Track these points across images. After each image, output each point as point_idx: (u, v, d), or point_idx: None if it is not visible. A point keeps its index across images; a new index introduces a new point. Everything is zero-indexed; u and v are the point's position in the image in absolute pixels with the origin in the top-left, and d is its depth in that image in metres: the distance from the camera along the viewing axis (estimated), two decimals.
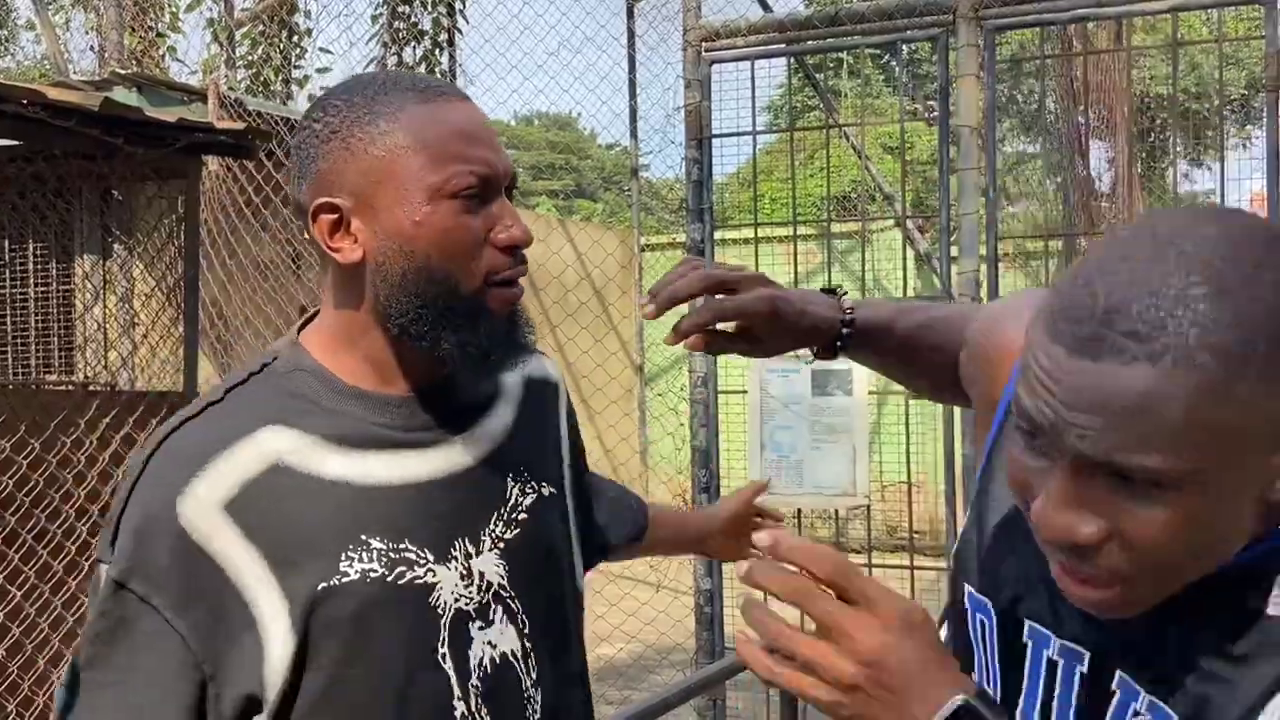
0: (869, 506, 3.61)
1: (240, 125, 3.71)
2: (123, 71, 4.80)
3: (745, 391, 3.76)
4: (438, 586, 1.12)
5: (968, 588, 1.01)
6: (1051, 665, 0.92)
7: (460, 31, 8.75)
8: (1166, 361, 0.71)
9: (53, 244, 4.73)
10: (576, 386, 8.69)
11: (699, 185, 4.05)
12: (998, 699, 0.96)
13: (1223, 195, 3.66)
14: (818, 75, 8.07)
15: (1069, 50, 4.84)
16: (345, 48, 9.02)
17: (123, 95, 4.49)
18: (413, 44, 8.68)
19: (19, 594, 3.23)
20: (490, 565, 1.16)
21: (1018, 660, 0.95)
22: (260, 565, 1.05)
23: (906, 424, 3.69)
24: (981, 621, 0.99)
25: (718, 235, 4.26)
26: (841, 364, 3.68)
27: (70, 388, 4.46)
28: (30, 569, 3.27)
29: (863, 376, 3.54)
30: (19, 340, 4.85)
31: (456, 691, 1.12)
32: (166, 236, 4.30)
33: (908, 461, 3.67)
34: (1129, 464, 0.75)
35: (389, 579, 1.09)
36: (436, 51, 8.69)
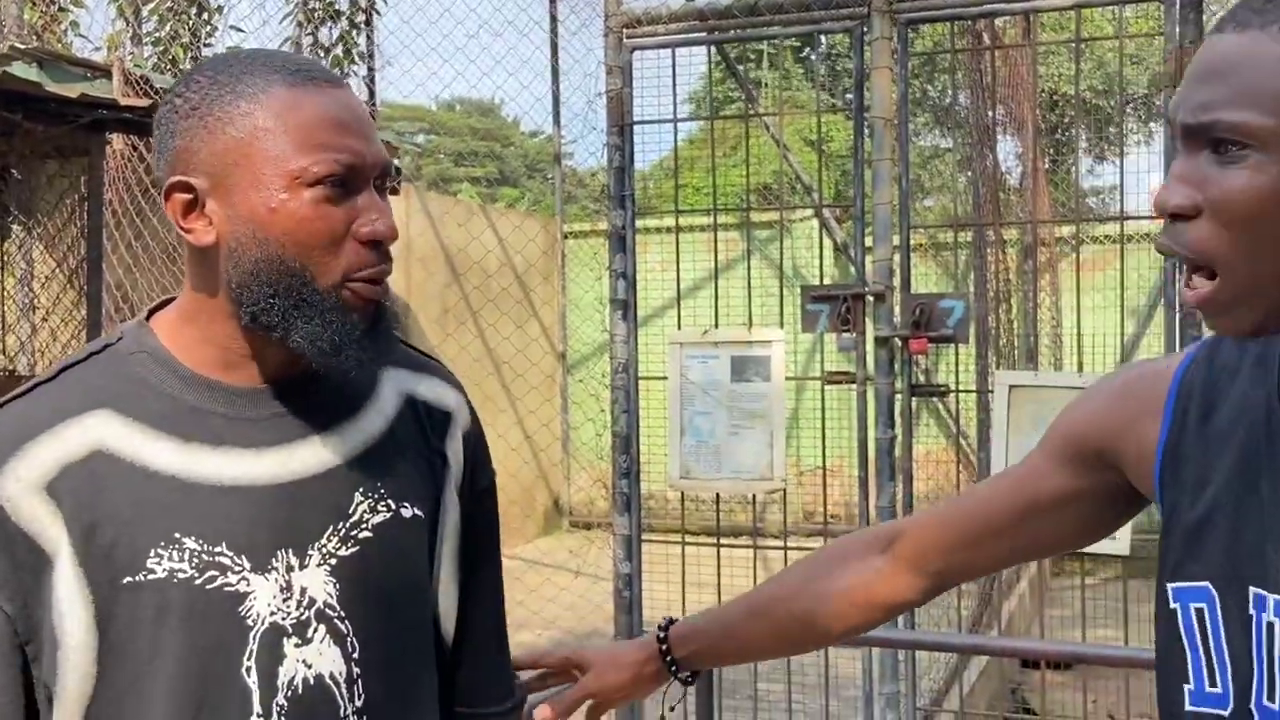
0: (785, 491, 3.64)
1: (146, 102, 3.61)
2: (22, 46, 4.63)
3: (665, 378, 3.77)
4: (250, 596, 1.07)
5: (1172, 586, 1.03)
6: (1270, 628, 0.95)
7: (378, 12, 8.62)
8: (1273, 29, 0.84)
9: None
10: (498, 372, 8.63)
11: (621, 172, 4.04)
12: (1229, 685, 0.98)
13: (1122, 189, 3.75)
14: (739, 66, 8.10)
15: (979, 45, 4.93)
16: (258, 25, 8.81)
17: (22, 70, 4.33)
18: (329, 23, 8.53)
19: None
20: (316, 581, 1.10)
21: (1245, 631, 0.97)
22: (70, 550, 1.03)
23: (823, 410, 3.73)
24: (1198, 610, 1.00)
25: (640, 224, 4.26)
26: (760, 350, 3.71)
27: None
28: None
29: (780, 363, 3.57)
30: None
31: (257, 708, 1.07)
32: (68, 216, 4.17)
33: (824, 447, 3.71)
34: (1220, 121, 0.85)
35: (196, 582, 1.05)
36: (353, 32, 8.56)
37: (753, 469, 3.53)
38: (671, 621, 1.47)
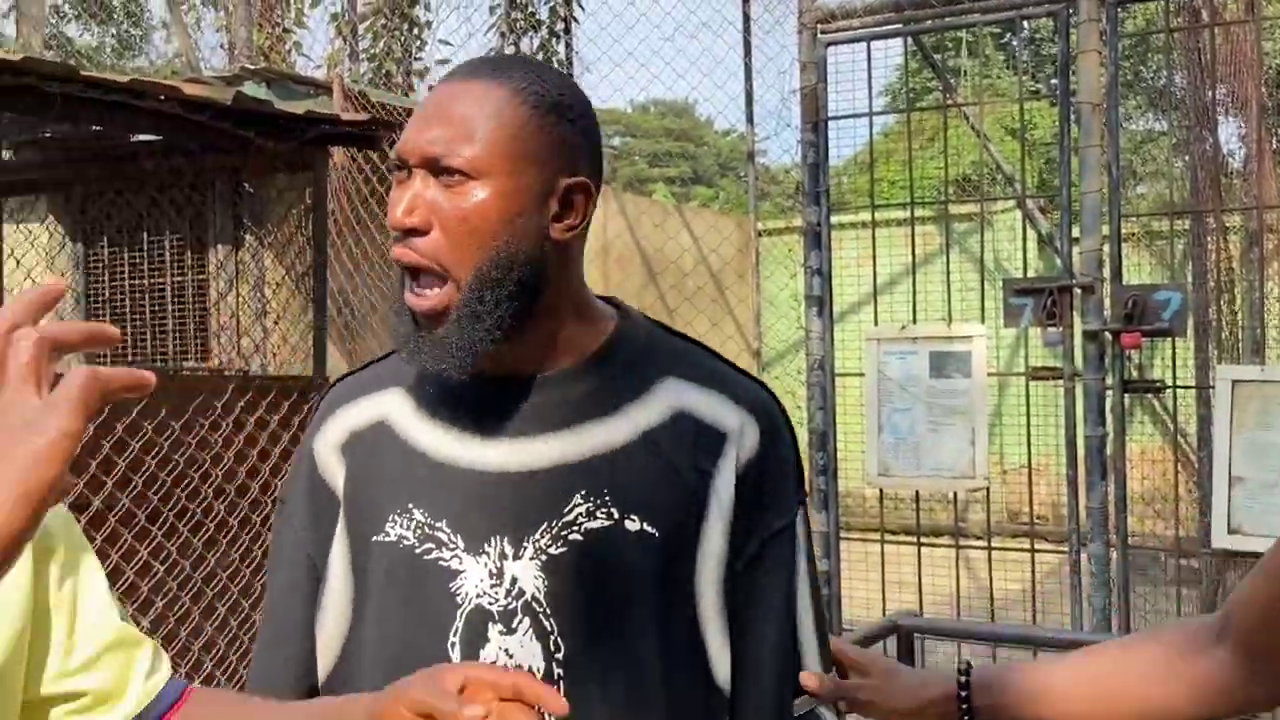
0: (989, 490, 3.55)
1: (364, 117, 3.82)
2: (252, 67, 4.98)
3: (862, 374, 3.73)
4: (461, 575, 1.12)
5: None
6: None
7: (576, 20, 8.83)
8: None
9: (188, 235, 4.94)
10: None
11: (815, 168, 4.03)
12: None
13: None
14: (936, 55, 7.91)
15: (1197, 22, 4.67)
16: (464, 39, 9.12)
17: (252, 90, 4.66)
18: (530, 33, 8.79)
19: (161, 569, 3.40)
20: (527, 574, 1.12)
21: None
22: (341, 504, 1.17)
23: (1028, 407, 3.63)
24: None
25: (834, 219, 4.23)
26: (960, 345, 3.63)
27: (206, 373, 4.65)
28: (171, 545, 3.44)
29: (982, 358, 3.49)
30: (158, 328, 5.08)
31: None
32: (295, 226, 4.46)
33: (1029, 445, 3.61)
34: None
35: (416, 551, 1.12)
36: (553, 40, 8.80)
37: (953, 466, 3.47)
38: (970, 666, 1.34)
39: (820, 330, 4.05)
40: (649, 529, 1.12)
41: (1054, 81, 4.10)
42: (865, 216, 4.46)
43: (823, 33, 4.03)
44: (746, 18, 9.28)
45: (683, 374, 1.19)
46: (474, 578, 1.11)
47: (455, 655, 1.11)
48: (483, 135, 1.07)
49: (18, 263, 3.96)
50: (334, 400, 1.23)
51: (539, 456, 1.13)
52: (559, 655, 1.11)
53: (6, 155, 4.53)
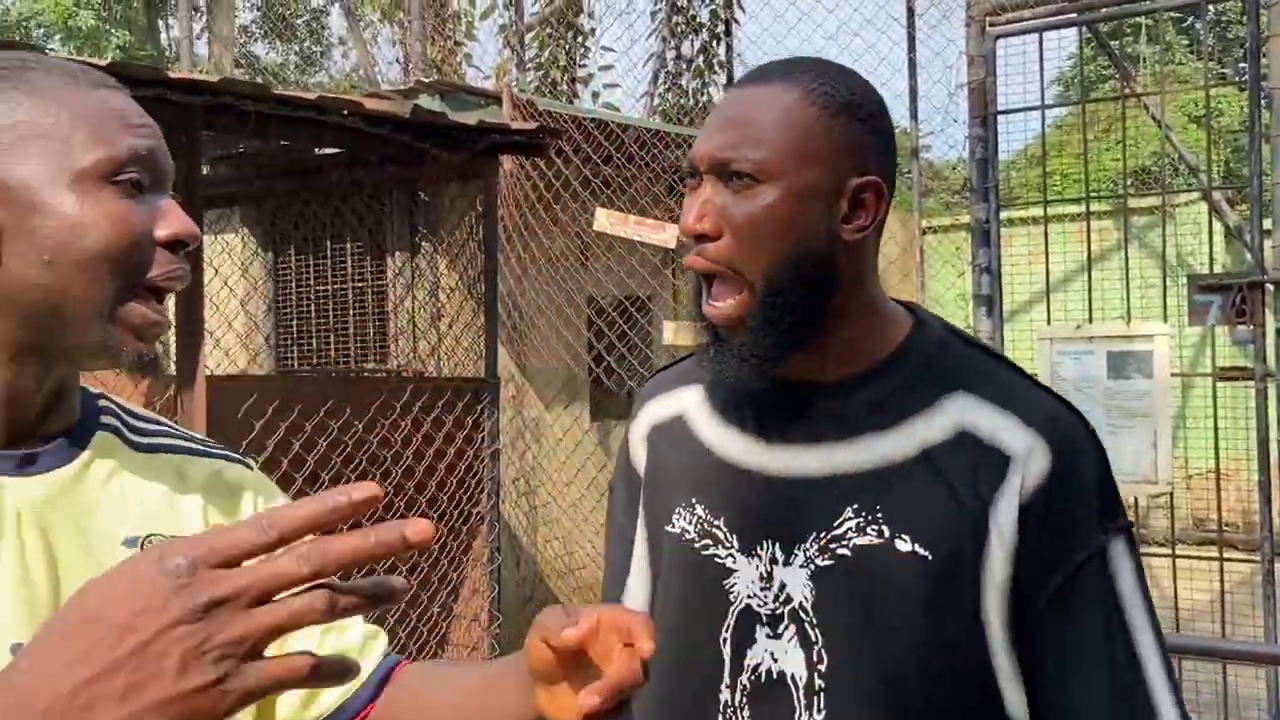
0: (1172, 495, 3.41)
1: (533, 125, 3.93)
2: (426, 80, 5.17)
3: (1035, 375, 3.64)
4: (735, 574, 1.14)
5: None
6: None
7: (737, 22, 8.84)
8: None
9: (368, 243, 5.16)
10: None
11: (984, 164, 3.95)
12: None
13: None
14: (1112, 42, 7.61)
15: None
16: (627, 45, 9.24)
17: (427, 102, 4.83)
18: (690, 36, 8.85)
19: None
20: (796, 581, 1.12)
21: None
22: (643, 495, 1.25)
23: (1215, 409, 3.47)
24: None
25: (1004, 215, 4.13)
26: (1141, 345, 3.50)
27: (385, 375, 4.85)
28: None
29: (1164, 358, 3.35)
30: (340, 332, 5.32)
31: (726, 679, 1.13)
32: (467, 233, 4.61)
33: (1216, 448, 3.45)
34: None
35: (695, 545, 1.16)
36: (714, 43, 8.83)
37: (1134, 470, 3.34)
38: None
39: (990, 330, 3.96)
40: (921, 551, 1.08)
41: (1242, 66, 3.91)
42: (1036, 212, 4.34)
43: (991, 25, 3.94)
44: (911, 13, 9.11)
45: (973, 389, 1.13)
46: (745, 578, 1.13)
47: (727, 652, 1.13)
48: (770, 138, 1.07)
49: (216, 271, 4.21)
50: (646, 394, 1.30)
51: (815, 466, 1.12)
52: (821, 667, 1.10)
53: (204, 171, 4.82)
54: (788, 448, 1.13)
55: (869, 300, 1.15)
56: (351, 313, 5.27)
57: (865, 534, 1.09)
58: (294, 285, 5.45)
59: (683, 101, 8.80)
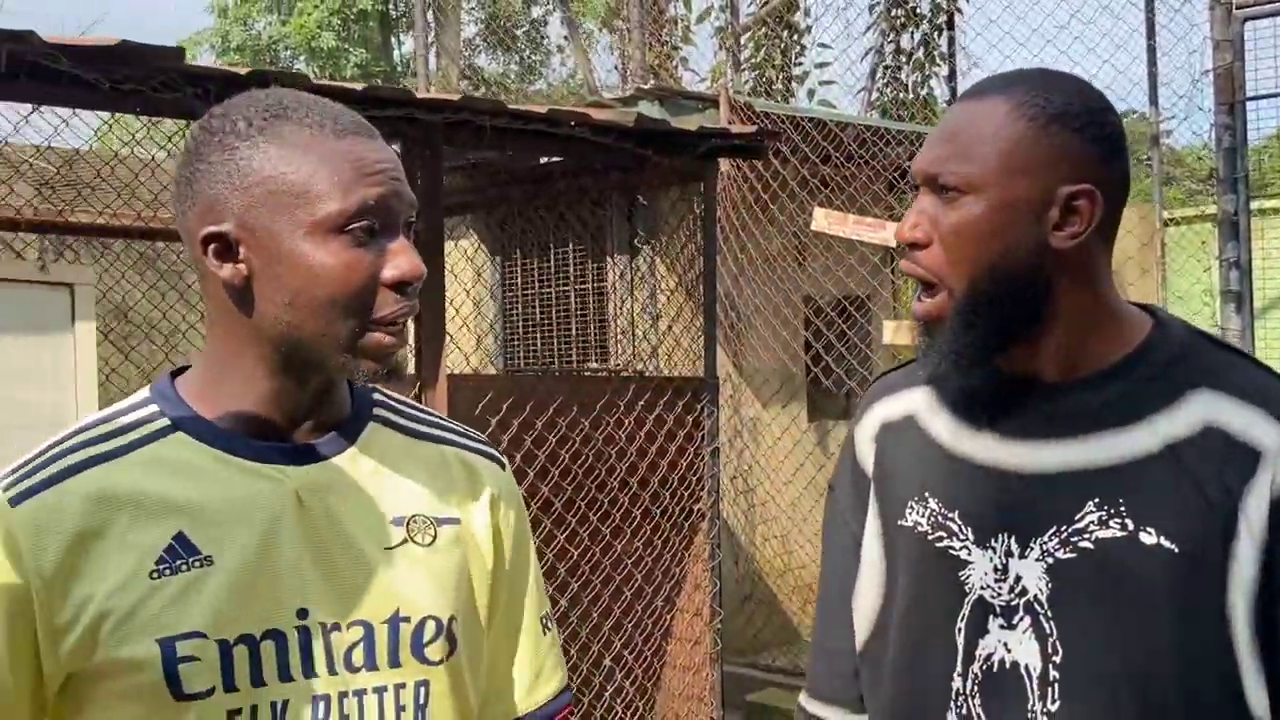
0: None
1: (751, 129, 3.98)
2: (645, 87, 5.29)
3: None
4: (969, 565, 1.18)
5: None
6: None
7: (960, 12, 8.62)
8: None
9: (590, 247, 5.33)
10: None
11: (1231, 153, 3.76)
12: None
13: None
14: None
15: None
16: (844, 42, 9.15)
17: (646, 108, 4.95)
18: (911, 29, 8.69)
19: (575, 553, 3.71)
20: (1032, 574, 1.15)
21: None
22: (873, 489, 1.29)
23: None
24: None
25: (1254, 205, 3.91)
26: None
27: (607, 374, 4.99)
28: (584, 532, 3.75)
29: None
30: (563, 333, 5.51)
31: (959, 668, 1.18)
32: (686, 237, 4.70)
33: None
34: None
35: (929, 538, 1.21)
36: (936, 35, 8.64)
37: None
38: None
39: (1240, 328, 3.76)
40: (1166, 544, 1.10)
41: None
42: None
43: (1239, 8, 3.74)
44: None
45: (1219, 386, 1.14)
46: (980, 570, 1.17)
47: (960, 641, 1.18)
48: (977, 152, 1.13)
49: (455, 276, 4.46)
50: (873, 395, 1.36)
51: (1053, 461, 1.15)
52: (1056, 659, 1.13)
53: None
54: (1023, 443, 1.17)
55: (1098, 303, 1.18)
56: (574, 314, 5.45)
57: (1108, 527, 1.11)
58: (520, 288, 5.68)
59: (902, 96, 8.66)
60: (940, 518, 1.20)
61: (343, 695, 1.06)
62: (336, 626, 1.07)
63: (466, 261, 5.58)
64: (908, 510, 1.24)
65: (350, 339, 1.06)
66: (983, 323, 1.14)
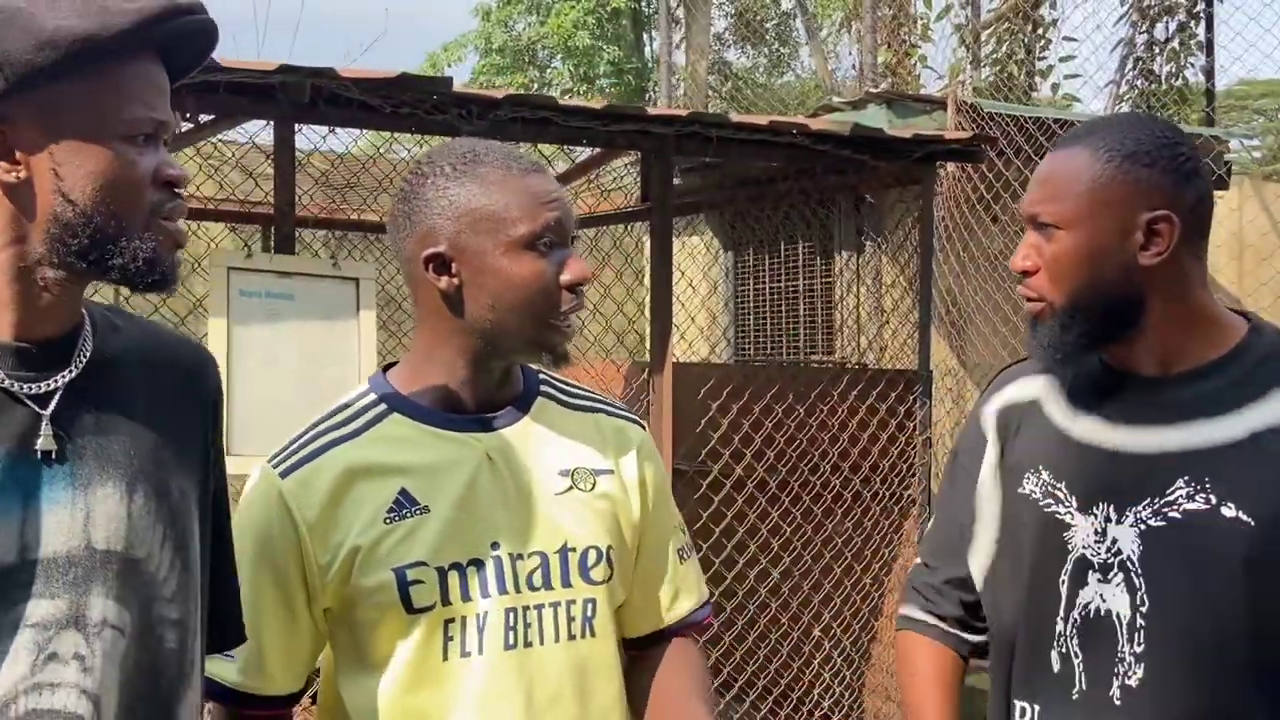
0: None
1: (966, 135, 4.13)
2: (875, 90, 5.49)
3: None
4: (1073, 528, 1.42)
5: None
6: None
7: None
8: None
9: (817, 244, 5.57)
10: None
11: None
12: None
13: None
14: None
15: None
16: (1090, 32, 8.92)
17: (875, 112, 5.15)
18: (1165, 19, 8.41)
19: (789, 530, 4.01)
20: (1126, 537, 1.38)
21: None
22: (995, 459, 1.54)
23: None
24: None
25: None
26: None
27: (830, 365, 5.24)
28: (797, 511, 4.04)
29: None
30: (790, 325, 5.78)
31: (1060, 613, 1.42)
32: (906, 234, 4.89)
33: None
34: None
35: (1040, 504, 1.46)
36: (1193, 23, 8.33)
37: None
38: None
39: None
40: (1244, 517, 1.32)
41: None
42: None
43: None
44: None
45: None
46: (1082, 532, 1.42)
47: (1063, 590, 1.43)
48: (1066, 192, 1.38)
49: (682, 273, 4.82)
50: (1002, 380, 1.60)
51: (1151, 444, 1.39)
52: (1143, 609, 1.37)
53: (676, 181, 5.47)
54: (1126, 428, 1.41)
55: (1193, 309, 1.41)
56: (801, 308, 5.71)
57: (1194, 501, 1.34)
58: (751, 283, 5.99)
59: (1154, 87, 8.39)
60: (1050, 487, 1.45)
61: (526, 609, 1.38)
62: (520, 555, 1.39)
63: (701, 256, 5.93)
64: (1025, 480, 1.49)
65: (535, 332, 1.38)
66: (1077, 326, 1.40)
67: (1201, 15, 8.32)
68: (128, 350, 1.22)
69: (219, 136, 3.77)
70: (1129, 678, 1.37)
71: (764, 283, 5.92)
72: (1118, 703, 1.37)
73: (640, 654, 1.55)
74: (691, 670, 1.54)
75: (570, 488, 1.45)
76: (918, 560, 1.70)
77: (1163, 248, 1.37)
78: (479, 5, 19.29)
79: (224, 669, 1.38)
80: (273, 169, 3.20)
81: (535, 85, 18.92)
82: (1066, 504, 1.44)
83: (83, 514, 1.11)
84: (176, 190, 1.15)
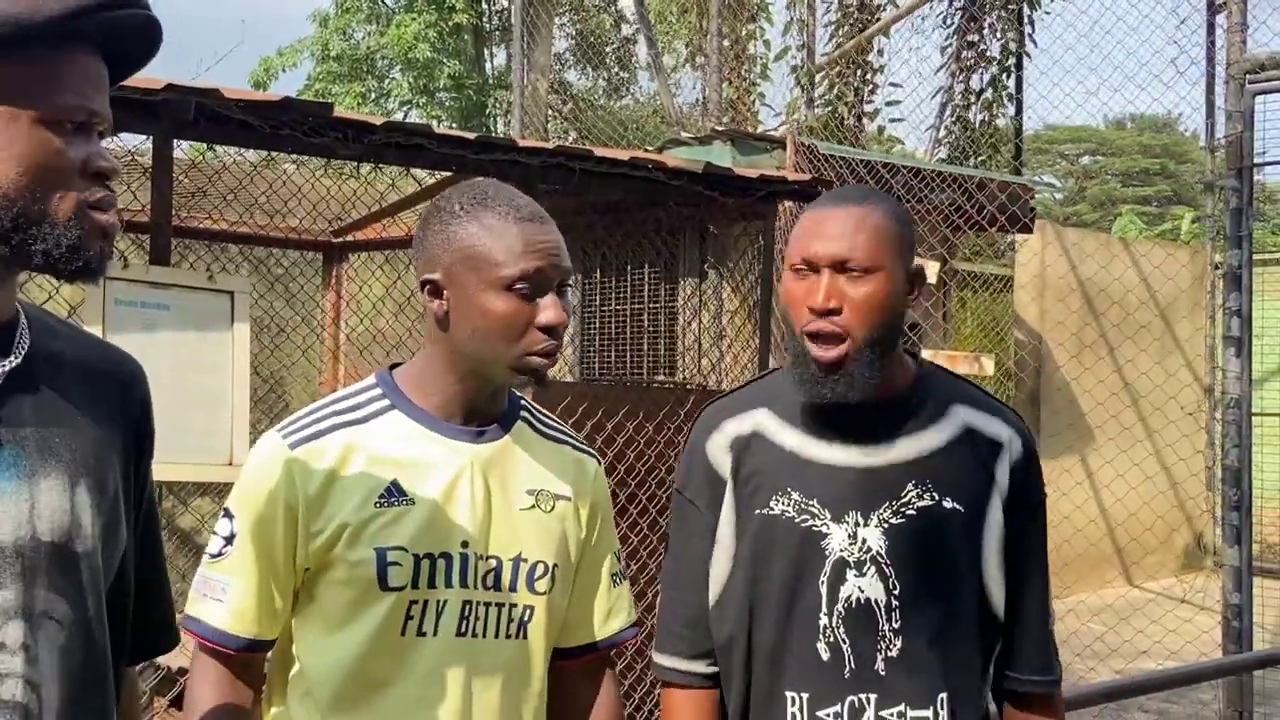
0: None
1: (807, 177, 4.49)
2: (719, 128, 5.83)
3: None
4: (829, 536, 1.66)
5: None
6: None
7: (1029, 55, 8.99)
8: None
9: (662, 270, 5.86)
10: (1135, 405, 8.59)
11: (1238, 213, 4.18)
12: None
13: None
14: None
15: None
16: (916, 82, 9.51)
17: (719, 148, 5.49)
18: (980, 69, 9.09)
19: (635, 540, 4.24)
20: (874, 536, 1.63)
21: None
22: (731, 485, 1.72)
23: None
24: None
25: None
26: None
27: (672, 386, 5.52)
28: (644, 523, 4.28)
29: None
30: (635, 346, 6.05)
31: (824, 608, 1.65)
32: (749, 264, 5.22)
33: None
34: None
35: (795, 520, 1.68)
36: (1004, 76, 9.02)
37: None
38: None
39: (1238, 370, 4.17)
40: (958, 506, 1.66)
41: None
42: None
43: (1251, 83, 4.17)
44: (1211, 27, 8.95)
45: (965, 401, 1.73)
46: (837, 539, 1.65)
47: (823, 590, 1.65)
48: (875, 243, 1.62)
49: None
50: (717, 414, 1.77)
51: (883, 458, 1.67)
52: (895, 592, 1.64)
53: None
54: (856, 446, 1.68)
55: (900, 345, 1.73)
56: (646, 330, 5.98)
57: (923, 499, 1.65)
58: (598, 303, 6.24)
59: (969, 133, 9.03)
60: (802, 504, 1.67)
61: (476, 604, 1.55)
62: (482, 556, 1.56)
63: None
64: (773, 501, 1.67)
65: (513, 361, 1.54)
66: (875, 360, 1.63)
67: (1012, 70, 9.04)
68: (67, 351, 1.23)
69: None
70: (890, 650, 1.63)
71: (610, 305, 6.17)
72: (882, 673, 1.63)
73: (567, 663, 1.72)
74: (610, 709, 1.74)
75: (533, 505, 1.62)
76: (664, 595, 1.82)
77: (915, 294, 1.69)
78: (316, 11, 18.99)
79: (214, 612, 1.53)
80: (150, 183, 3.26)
81: (373, 95, 18.75)
82: (821, 517, 1.66)
83: (28, 505, 1.12)
84: (108, 182, 1.16)
